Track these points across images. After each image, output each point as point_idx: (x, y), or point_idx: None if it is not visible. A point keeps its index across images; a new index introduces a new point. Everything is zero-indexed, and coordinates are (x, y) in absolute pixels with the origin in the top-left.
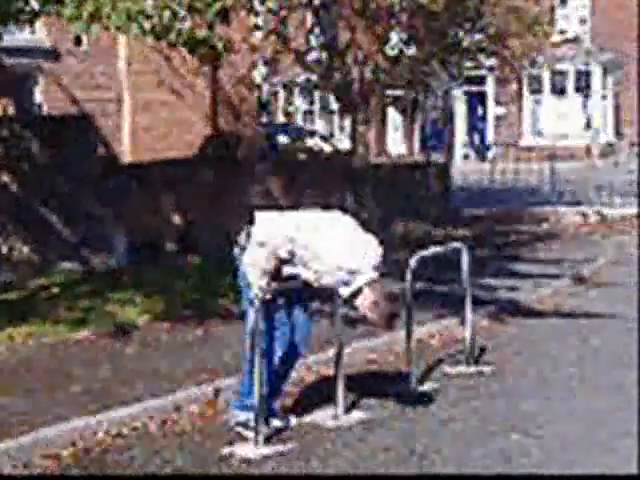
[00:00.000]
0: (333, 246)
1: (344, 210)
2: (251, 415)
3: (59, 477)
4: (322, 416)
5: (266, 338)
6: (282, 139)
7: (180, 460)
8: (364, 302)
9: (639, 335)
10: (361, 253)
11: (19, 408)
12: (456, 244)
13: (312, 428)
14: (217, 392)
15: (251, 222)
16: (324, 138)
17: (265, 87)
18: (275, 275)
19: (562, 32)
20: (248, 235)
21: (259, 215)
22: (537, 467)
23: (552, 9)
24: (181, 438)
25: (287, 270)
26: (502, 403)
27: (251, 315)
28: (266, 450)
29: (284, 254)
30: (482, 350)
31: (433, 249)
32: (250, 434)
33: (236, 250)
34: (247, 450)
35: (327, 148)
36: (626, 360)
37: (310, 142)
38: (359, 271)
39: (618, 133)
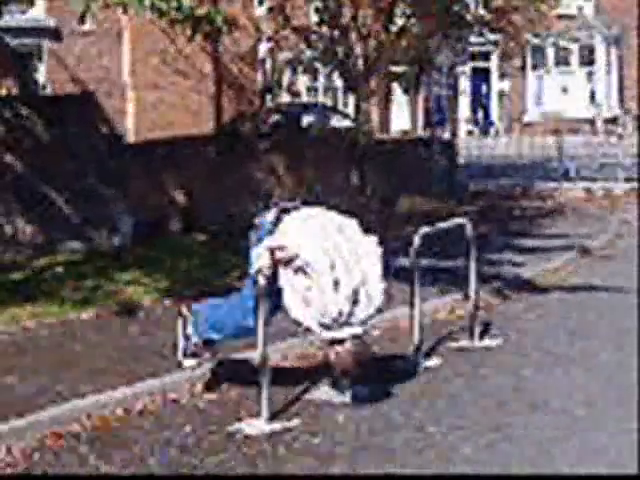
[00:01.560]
0: (334, 294)
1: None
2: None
3: (66, 455)
4: (328, 392)
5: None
6: (307, 119)
7: (186, 438)
8: (339, 353)
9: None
10: (361, 307)
11: (25, 387)
12: (460, 220)
13: (319, 404)
14: (224, 369)
15: (279, 216)
16: (345, 115)
17: (268, 64)
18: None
19: (566, 6)
20: (270, 231)
21: (288, 219)
22: (538, 444)
23: None
24: (188, 415)
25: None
26: (507, 377)
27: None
28: (272, 426)
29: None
30: (487, 325)
31: (438, 225)
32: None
33: (252, 234)
34: (253, 427)
35: (347, 125)
36: (631, 334)
37: (334, 121)
38: (348, 322)
39: (623, 107)
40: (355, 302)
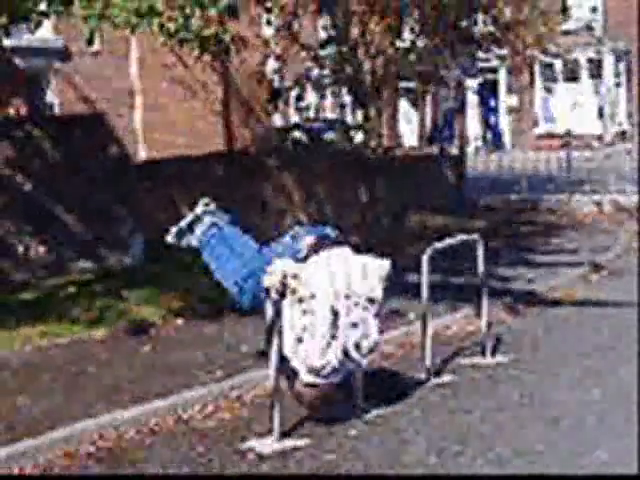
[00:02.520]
0: (326, 347)
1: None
2: None
3: (79, 476)
4: (342, 410)
5: None
6: (329, 136)
7: (198, 457)
8: (309, 392)
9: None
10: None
11: (37, 407)
12: (471, 235)
13: (331, 422)
14: (233, 388)
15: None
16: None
17: (277, 83)
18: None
19: (573, 20)
20: (295, 256)
21: (313, 260)
22: (552, 459)
23: None
24: (199, 434)
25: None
26: (519, 394)
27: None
28: (283, 445)
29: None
30: (498, 341)
31: (448, 241)
32: None
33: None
34: (265, 445)
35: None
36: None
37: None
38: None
39: (631, 120)
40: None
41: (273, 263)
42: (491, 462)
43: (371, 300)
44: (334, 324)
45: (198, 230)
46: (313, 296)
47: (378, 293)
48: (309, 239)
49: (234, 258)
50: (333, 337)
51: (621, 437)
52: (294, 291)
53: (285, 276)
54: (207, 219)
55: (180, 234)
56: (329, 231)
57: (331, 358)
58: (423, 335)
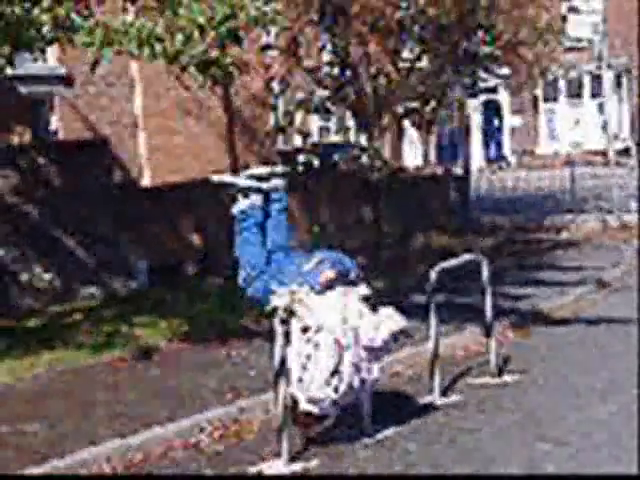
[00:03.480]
0: (327, 383)
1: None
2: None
3: None
4: (350, 431)
5: None
6: (341, 158)
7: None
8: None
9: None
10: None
11: (44, 434)
12: (476, 255)
13: (339, 444)
14: (241, 411)
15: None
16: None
17: (280, 106)
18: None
19: (576, 39)
20: (302, 278)
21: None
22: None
23: (564, 18)
24: (207, 458)
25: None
26: (526, 413)
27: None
28: (291, 468)
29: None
30: (505, 360)
31: (453, 260)
32: None
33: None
34: (274, 469)
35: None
36: None
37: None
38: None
39: (634, 138)
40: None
41: (287, 284)
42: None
43: (379, 349)
44: (338, 359)
45: (245, 201)
46: (319, 329)
47: (387, 344)
48: (330, 273)
49: (258, 250)
50: (336, 371)
51: (630, 454)
52: (300, 317)
53: (293, 300)
54: (257, 199)
55: (230, 187)
56: (352, 268)
57: (330, 393)
58: (431, 355)
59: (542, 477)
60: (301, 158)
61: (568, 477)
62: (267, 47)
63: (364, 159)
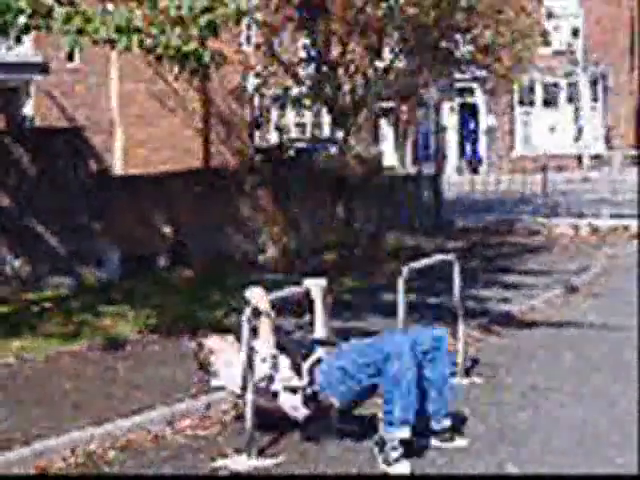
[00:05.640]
0: None
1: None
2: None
3: None
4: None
5: None
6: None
7: (171, 474)
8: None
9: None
10: None
11: (10, 422)
12: (447, 256)
13: (305, 440)
14: (208, 405)
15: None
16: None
17: (257, 100)
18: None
19: (552, 43)
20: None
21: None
22: None
23: (540, 22)
24: (174, 451)
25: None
26: (492, 415)
27: None
28: (257, 463)
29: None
30: (474, 362)
31: (424, 261)
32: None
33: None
34: (239, 463)
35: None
36: (617, 370)
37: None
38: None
39: (608, 144)
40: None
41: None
42: None
43: None
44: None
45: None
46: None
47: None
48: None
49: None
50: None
51: (597, 456)
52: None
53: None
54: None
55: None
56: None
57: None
58: None
59: (543, 477)
60: (279, 154)
61: (568, 477)
62: (245, 41)
63: (339, 156)
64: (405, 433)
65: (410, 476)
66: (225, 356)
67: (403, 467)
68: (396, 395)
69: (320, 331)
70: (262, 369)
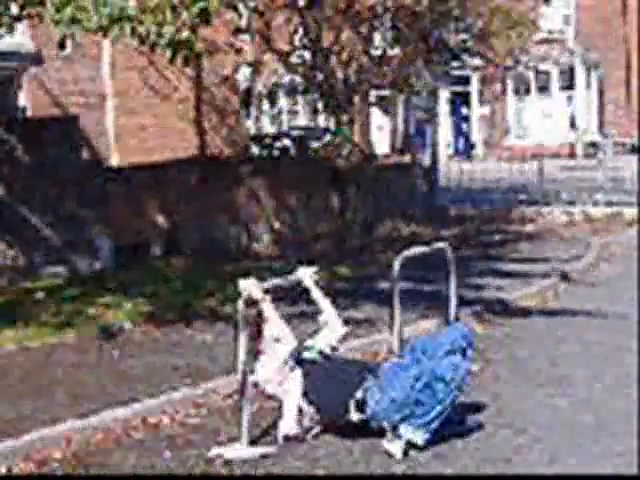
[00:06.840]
0: None
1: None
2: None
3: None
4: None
5: None
6: (316, 145)
7: (166, 463)
8: None
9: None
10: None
11: (4, 412)
12: (441, 244)
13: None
14: (204, 394)
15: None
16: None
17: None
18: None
19: (546, 31)
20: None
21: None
22: (519, 471)
23: (534, 8)
24: (168, 440)
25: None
26: (487, 401)
27: None
28: (252, 451)
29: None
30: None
31: (419, 249)
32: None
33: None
34: (233, 452)
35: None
36: (612, 357)
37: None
38: None
39: (602, 132)
40: None
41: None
42: (459, 469)
43: None
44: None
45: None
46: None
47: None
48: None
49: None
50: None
51: (589, 447)
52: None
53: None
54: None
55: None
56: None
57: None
58: (392, 342)
59: (542, 477)
60: (278, 143)
61: (568, 477)
62: (239, 30)
63: (334, 145)
64: (421, 439)
65: (407, 476)
66: (274, 329)
67: (395, 447)
68: (437, 410)
69: (327, 315)
70: (281, 349)
